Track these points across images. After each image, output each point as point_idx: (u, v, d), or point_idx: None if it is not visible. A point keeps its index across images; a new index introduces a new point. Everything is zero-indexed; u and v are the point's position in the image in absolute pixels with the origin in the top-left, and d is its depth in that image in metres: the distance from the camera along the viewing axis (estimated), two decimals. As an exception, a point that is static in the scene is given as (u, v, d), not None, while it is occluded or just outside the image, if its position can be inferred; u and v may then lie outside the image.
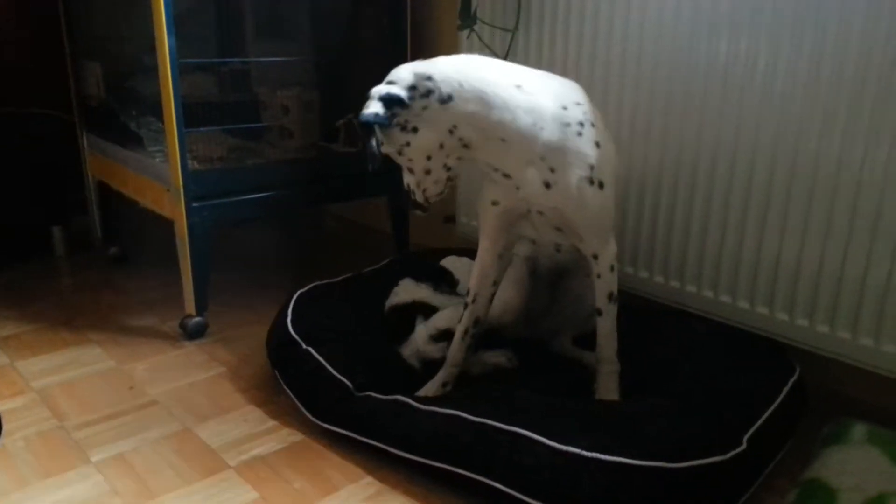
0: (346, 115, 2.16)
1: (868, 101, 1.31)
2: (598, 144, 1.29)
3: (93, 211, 2.44)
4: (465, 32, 1.96)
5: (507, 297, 1.53)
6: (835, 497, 1.14)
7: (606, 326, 1.41)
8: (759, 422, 1.25)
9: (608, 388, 1.41)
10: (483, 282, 1.43)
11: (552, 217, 1.32)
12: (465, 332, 1.44)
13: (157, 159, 1.86)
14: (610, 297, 1.40)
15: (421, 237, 2.34)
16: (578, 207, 1.29)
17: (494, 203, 1.36)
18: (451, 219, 2.19)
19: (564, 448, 1.14)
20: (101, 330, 1.87)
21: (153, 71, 1.68)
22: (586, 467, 1.12)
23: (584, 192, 1.28)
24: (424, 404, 1.32)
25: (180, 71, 1.67)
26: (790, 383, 1.37)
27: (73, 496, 1.22)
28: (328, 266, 2.18)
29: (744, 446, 1.17)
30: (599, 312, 1.42)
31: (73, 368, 1.67)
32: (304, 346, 1.54)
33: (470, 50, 2.00)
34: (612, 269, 1.38)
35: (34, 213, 2.43)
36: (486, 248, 1.41)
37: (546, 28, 1.80)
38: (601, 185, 1.30)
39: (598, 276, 1.39)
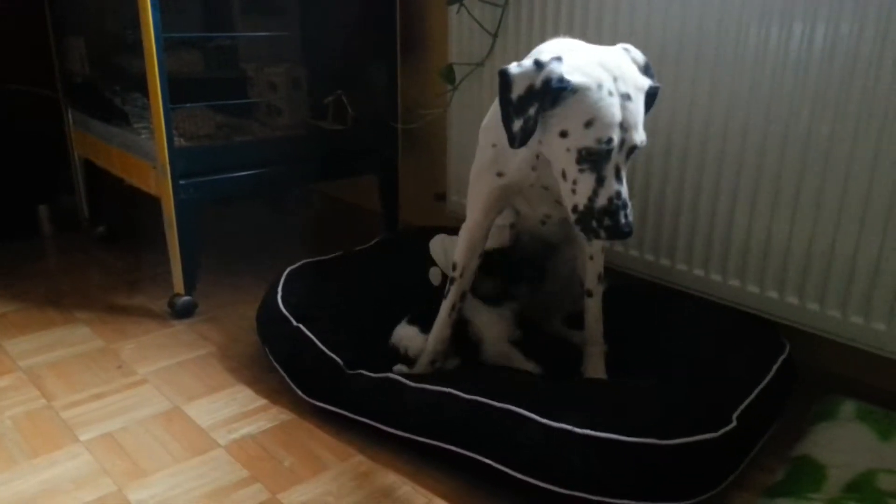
0: (335, 92, 2.13)
1: (858, 82, 1.30)
2: None
3: (79, 189, 2.41)
4: (454, 7, 1.93)
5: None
6: (824, 473, 1.15)
7: (596, 307, 1.41)
8: (749, 399, 1.25)
9: (596, 368, 1.42)
10: (472, 255, 1.41)
11: (556, 192, 1.29)
12: (453, 307, 1.43)
13: (143, 136, 1.84)
14: (599, 277, 1.41)
15: (411, 216, 2.32)
16: None
17: (500, 174, 1.31)
18: (441, 196, 2.18)
19: (555, 425, 1.14)
20: (89, 309, 1.86)
21: (138, 46, 1.65)
22: (577, 444, 1.12)
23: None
24: (415, 382, 1.32)
25: (165, 46, 1.64)
26: (780, 361, 1.38)
27: (62, 475, 1.22)
28: (317, 245, 2.17)
29: (734, 423, 1.18)
30: (590, 293, 1.42)
31: (60, 348, 1.65)
32: (294, 324, 1.53)
33: (460, 26, 1.97)
34: (602, 249, 1.38)
35: (19, 192, 2.40)
36: (477, 220, 1.38)
37: (536, 3, 1.77)
38: None
39: (591, 258, 1.39)
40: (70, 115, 2.30)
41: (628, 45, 1.16)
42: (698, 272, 1.61)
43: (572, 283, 1.52)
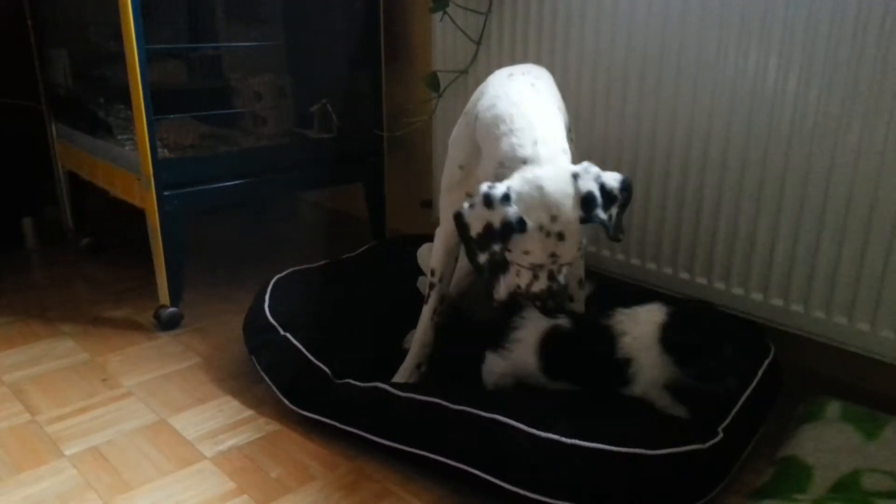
0: (320, 101, 2.13)
1: (839, 88, 1.32)
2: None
3: (63, 201, 2.40)
4: (438, 15, 1.94)
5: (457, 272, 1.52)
6: (810, 474, 1.16)
7: (578, 311, 1.42)
8: (737, 407, 1.25)
9: None
10: (448, 260, 1.44)
11: None
12: (434, 311, 1.44)
13: (127, 148, 1.83)
14: (580, 283, 1.43)
15: (398, 223, 2.32)
16: None
17: (469, 195, 1.33)
18: (428, 203, 2.18)
19: (544, 435, 1.14)
20: (74, 322, 1.85)
21: (120, 58, 1.65)
22: (565, 454, 1.11)
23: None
24: (404, 391, 1.31)
25: (149, 57, 1.63)
26: (765, 365, 1.38)
27: (47, 491, 1.21)
28: (304, 254, 2.16)
29: (720, 436, 1.17)
30: (571, 299, 1.43)
31: (45, 361, 1.64)
32: (281, 332, 1.53)
33: (444, 33, 1.98)
34: (582, 255, 1.40)
35: (3, 205, 2.38)
36: (451, 231, 1.39)
37: (519, 11, 1.78)
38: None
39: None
40: (54, 128, 2.29)
41: (582, 170, 1.17)
42: (684, 276, 1.62)
43: None
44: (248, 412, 1.44)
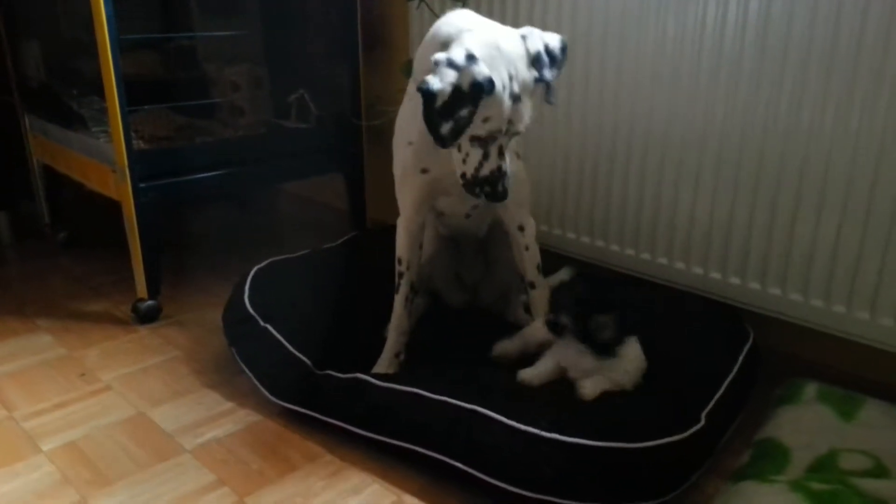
0: (297, 91, 2.12)
1: (791, 68, 1.33)
2: None
3: (39, 195, 2.37)
4: (415, 3, 1.92)
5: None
6: (788, 455, 1.17)
7: (543, 298, 1.44)
8: (717, 396, 1.25)
9: None
10: (414, 247, 1.44)
11: None
12: (406, 299, 1.44)
13: (102, 140, 1.81)
14: (538, 267, 1.45)
15: (378, 212, 2.31)
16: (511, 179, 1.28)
17: (424, 171, 1.35)
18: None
19: (523, 428, 1.13)
20: (51, 317, 1.83)
21: (93, 48, 1.62)
22: (544, 448, 1.11)
23: (515, 164, 1.30)
24: (384, 382, 1.31)
25: (122, 48, 1.61)
26: (745, 350, 1.39)
27: (24, 487, 1.19)
28: (284, 245, 2.14)
29: (702, 423, 1.17)
30: (532, 285, 1.45)
31: (22, 357, 1.62)
32: (261, 324, 1.52)
33: (421, 21, 1.97)
34: (535, 239, 1.43)
35: (-23, 200, 2.35)
36: (410, 216, 1.42)
37: (496, -3, 1.78)
38: (520, 157, 1.39)
39: (527, 248, 1.43)
40: (27, 120, 2.26)
41: (528, 31, 1.19)
42: (662, 261, 1.62)
43: (514, 271, 1.53)
44: (229, 404, 1.44)
